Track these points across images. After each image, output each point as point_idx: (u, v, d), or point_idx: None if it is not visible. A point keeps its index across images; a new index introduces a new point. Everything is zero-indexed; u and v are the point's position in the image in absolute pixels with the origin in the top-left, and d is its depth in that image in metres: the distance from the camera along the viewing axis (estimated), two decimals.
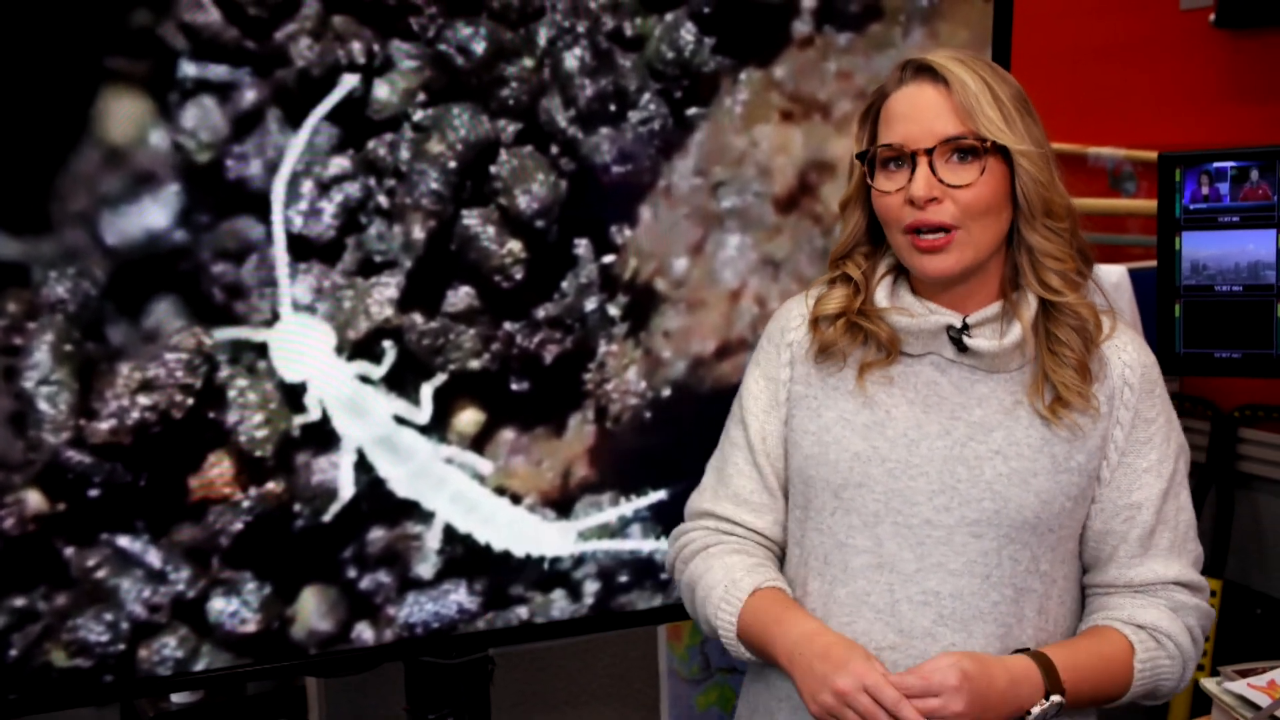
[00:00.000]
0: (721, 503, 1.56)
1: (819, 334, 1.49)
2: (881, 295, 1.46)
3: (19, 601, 1.66)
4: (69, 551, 1.66)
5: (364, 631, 1.82)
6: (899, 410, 1.44)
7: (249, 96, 1.65)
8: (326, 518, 1.77)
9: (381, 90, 1.70)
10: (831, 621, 1.43)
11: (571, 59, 1.77)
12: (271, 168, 1.67)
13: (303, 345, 1.72)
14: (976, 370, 1.43)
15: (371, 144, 1.71)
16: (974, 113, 1.36)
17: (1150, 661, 1.40)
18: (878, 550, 1.42)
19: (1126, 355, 1.44)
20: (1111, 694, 1.41)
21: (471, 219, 1.77)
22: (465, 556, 1.84)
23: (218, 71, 1.63)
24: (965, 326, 1.42)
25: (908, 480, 1.41)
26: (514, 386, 1.83)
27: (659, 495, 1.92)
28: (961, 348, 1.42)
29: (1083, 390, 1.40)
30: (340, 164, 1.70)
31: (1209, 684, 1.65)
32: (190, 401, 1.68)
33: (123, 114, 1.60)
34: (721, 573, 1.49)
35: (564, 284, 1.82)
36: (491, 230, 1.78)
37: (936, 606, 1.39)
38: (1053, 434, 1.40)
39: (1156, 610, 1.42)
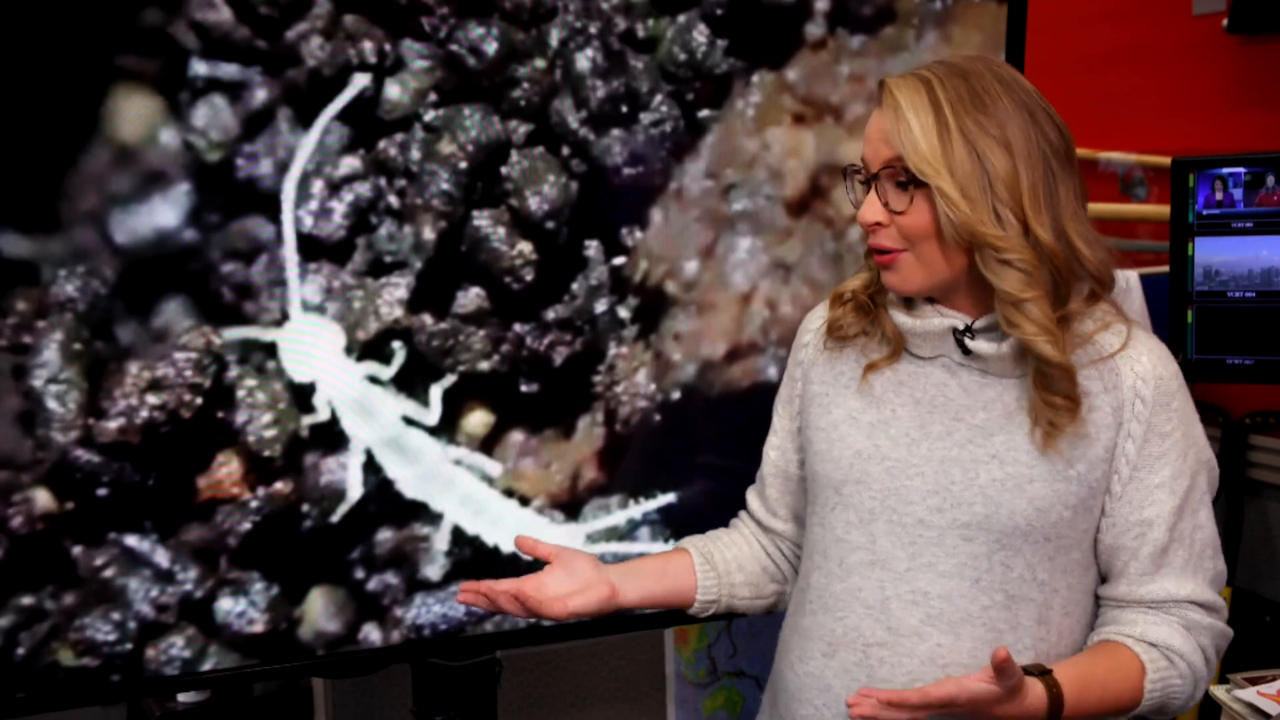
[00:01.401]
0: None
1: (831, 312, 1.52)
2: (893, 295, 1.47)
3: (26, 600, 1.65)
4: (77, 551, 1.66)
5: (371, 633, 1.81)
6: (905, 410, 1.44)
7: (260, 96, 1.64)
8: (335, 518, 1.77)
9: (393, 90, 1.70)
10: (827, 615, 1.44)
11: (583, 60, 1.77)
12: (282, 167, 1.67)
13: (312, 345, 1.72)
14: (987, 374, 1.42)
15: (382, 144, 1.70)
16: (897, 142, 1.35)
17: (1161, 681, 1.38)
18: (872, 547, 1.42)
19: (1140, 367, 1.40)
20: (1117, 713, 1.40)
21: (482, 220, 1.76)
22: (473, 558, 1.84)
23: (228, 70, 1.63)
24: (969, 329, 1.42)
25: (905, 479, 1.41)
26: (523, 388, 1.82)
27: (668, 498, 1.92)
28: (966, 350, 1.42)
29: (1072, 410, 1.37)
30: (351, 164, 1.70)
31: (1218, 691, 1.64)
32: (199, 401, 1.68)
33: (133, 113, 1.60)
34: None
35: (574, 286, 1.82)
36: (502, 231, 1.77)
37: (925, 606, 1.39)
38: (1054, 441, 1.39)
39: (1169, 628, 1.39)
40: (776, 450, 1.60)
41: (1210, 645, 1.42)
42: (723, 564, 1.60)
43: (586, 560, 1.51)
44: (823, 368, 1.53)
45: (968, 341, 1.41)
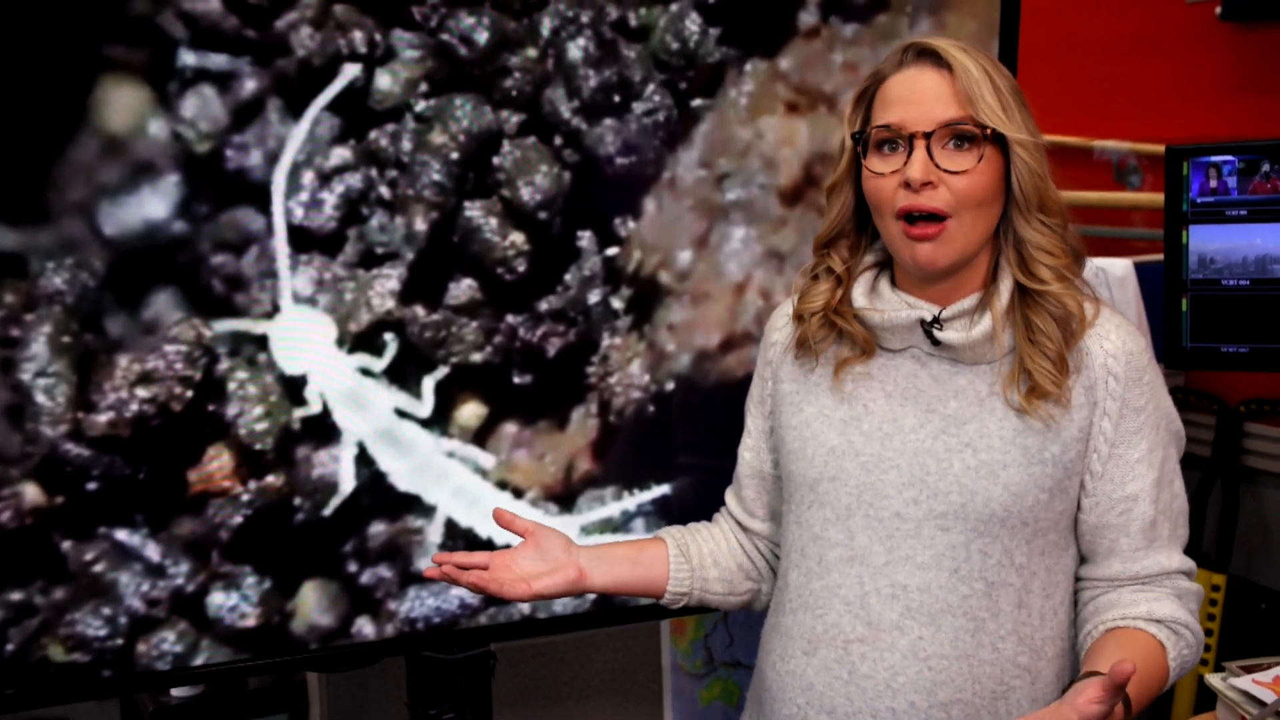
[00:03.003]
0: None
1: (798, 328, 1.50)
2: (859, 292, 1.46)
3: (16, 595, 1.64)
4: (67, 545, 1.65)
5: (365, 626, 1.80)
6: (877, 404, 1.44)
7: (249, 86, 1.63)
8: (327, 511, 1.76)
9: (383, 80, 1.69)
10: (807, 613, 1.44)
11: (575, 49, 1.76)
12: (272, 158, 1.66)
13: (303, 338, 1.71)
14: (957, 363, 1.43)
15: (373, 134, 1.69)
16: (975, 99, 1.35)
17: (1179, 657, 1.40)
18: (850, 543, 1.42)
19: (1109, 344, 1.41)
20: (1153, 699, 1.41)
21: (474, 211, 1.75)
22: (467, 551, 1.83)
23: (217, 61, 1.61)
24: (936, 319, 1.41)
25: (880, 474, 1.41)
26: (516, 380, 1.81)
27: (662, 489, 1.91)
28: (935, 341, 1.41)
29: (1058, 380, 1.39)
30: (341, 155, 1.68)
31: (1214, 680, 1.64)
32: (190, 394, 1.67)
33: (121, 103, 1.58)
34: None
35: (567, 276, 1.81)
36: (494, 222, 1.76)
37: (904, 599, 1.39)
38: (1025, 425, 1.39)
39: (1170, 602, 1.41)
40: (751, 451, 1.60)
41: (1196, 609, 1.46)
42: (698, 557, 1.60)
43: (559, 540, 1.51)
44: (792, 366, 1.52)
45: (936, 333, 1.41)
